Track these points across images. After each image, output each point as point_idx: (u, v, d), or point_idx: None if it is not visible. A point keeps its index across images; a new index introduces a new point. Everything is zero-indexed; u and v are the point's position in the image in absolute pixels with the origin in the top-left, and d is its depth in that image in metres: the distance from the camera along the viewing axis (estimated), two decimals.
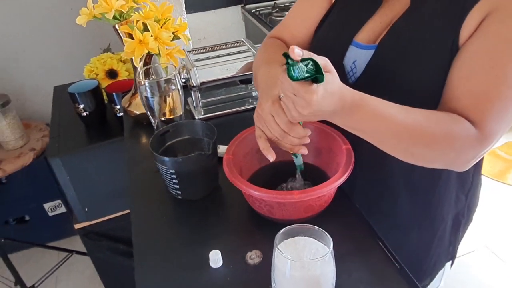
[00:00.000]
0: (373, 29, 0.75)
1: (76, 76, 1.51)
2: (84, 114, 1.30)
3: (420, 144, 0.62)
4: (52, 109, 1.50)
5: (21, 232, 2.05)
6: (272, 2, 2.10)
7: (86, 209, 1.36)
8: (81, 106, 1.27)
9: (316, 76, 0.51)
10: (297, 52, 0.50)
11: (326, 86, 0.53)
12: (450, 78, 0.65)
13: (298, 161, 0.74)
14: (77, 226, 1.41)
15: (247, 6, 2.11)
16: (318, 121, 0.75)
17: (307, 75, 0.51)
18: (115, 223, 1.41)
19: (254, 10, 2.05)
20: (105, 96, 1.35)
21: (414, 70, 0.68)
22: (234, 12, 2.17)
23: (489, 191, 2.25)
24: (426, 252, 0.89)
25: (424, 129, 0.61)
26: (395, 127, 0.60)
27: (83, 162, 1.29)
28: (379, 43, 0.71)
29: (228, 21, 2.17)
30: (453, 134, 0.61)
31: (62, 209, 2.08)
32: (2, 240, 1.74)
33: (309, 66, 0.51)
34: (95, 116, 1.32)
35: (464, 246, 1.94)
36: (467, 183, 0.86)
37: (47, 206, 2.04)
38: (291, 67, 0.52)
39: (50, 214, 2.07)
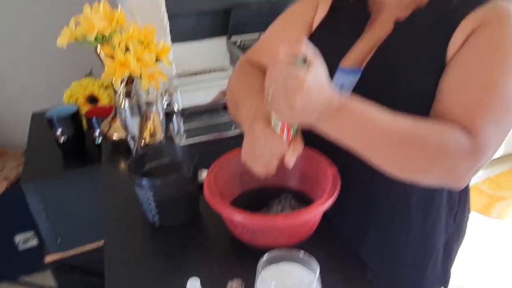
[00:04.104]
0: (358, 54, 0.74)
1: (56, 102, 1.48)
2: (62, 140, 1.25)
3: (411, 150, 0.58)
4: (29, 134, 1.46)
5: None
6: (257, 35, 2.13)
7: (59, 240, 1.29)
8: (59, 132, 1.23)
9: None
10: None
11: (316, 73, 0.52)
12: (439, 91, 0.64)
13: None
14: (48, 259, 1.33)
15: (232, 38, 2.14)
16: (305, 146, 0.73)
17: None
18: (89, 255, 1.34)
19: (239, 42, 2.08)
20: (84, 122, 1.31)
21: (401, 91, 0.67)
22: (219, 43, 2.19)
23: (473, 225, 2.25)
24: (419, 281, 0.87)
25: (415, 134, 0.58)
26: (385, 132, 0.58)
27: (58, 190, 1.24)
28: (365, 67, 0.71)
29: (213, 52, 2.19)
30: (445, 139, 0.58)
31: (34, 242, 1.97)
32: None
33: None
34: (73, 143, 1.28)
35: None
36: (454, 206, 0.84)
37: (18, 238, 1.94)
38: None
39: (21, 247, 1.96)
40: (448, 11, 0.66)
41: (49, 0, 1.85)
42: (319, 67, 0.53)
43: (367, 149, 0.61)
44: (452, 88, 0.62)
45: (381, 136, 0.58)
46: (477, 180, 2.53)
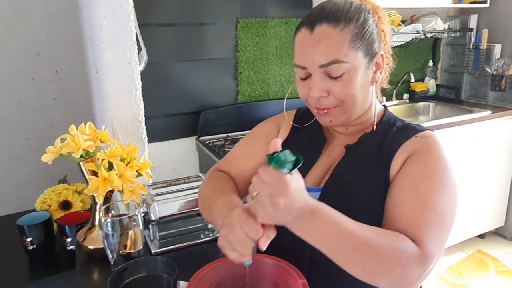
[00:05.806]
0: (316, 174, 0.87)
1: (23, 206, 1.47)
2: (31, 247, 1.24)
3: (371, 255, 0.67)
4: None
5: None
6: (225, 135, 2.27)
7: None
8: (29, 239, 1.22)
9: (296, 160, 0.62)
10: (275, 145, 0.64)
11: (298, 180, 0.63)
12: (387, 206, 0.77)
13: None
14: None
15: (201, 138, 2.27)
16: (276, 257, 0.80)
17: (293, 158, 0.61)
18: None
19: (208, 141, 2.20)
20: (55, 228, 1.31)
21: (357, 206, 0.79)
22: (189, 143, 2.30)
23: None
24: None
25: (374, 241, 0.67)
26: (349, 235, 0.66)
27: None
28: (324, 186, 0.83)
29: (182, 151, 2.29)
30: (399, 248, 0.68)
31: None
32: None
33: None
34: (42, 249, 1.26)
35: None
36: None
37: None
38: (277, 155, 0.61)
39: None
40: (387, 141, 0.81)
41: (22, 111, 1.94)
42: (298, 175, 0.64)
43: (332, 248, 0.69)
44: (396, 206, 0.75)
45: (345, 238, 0.67)
46: (439, 269, 2.62)
